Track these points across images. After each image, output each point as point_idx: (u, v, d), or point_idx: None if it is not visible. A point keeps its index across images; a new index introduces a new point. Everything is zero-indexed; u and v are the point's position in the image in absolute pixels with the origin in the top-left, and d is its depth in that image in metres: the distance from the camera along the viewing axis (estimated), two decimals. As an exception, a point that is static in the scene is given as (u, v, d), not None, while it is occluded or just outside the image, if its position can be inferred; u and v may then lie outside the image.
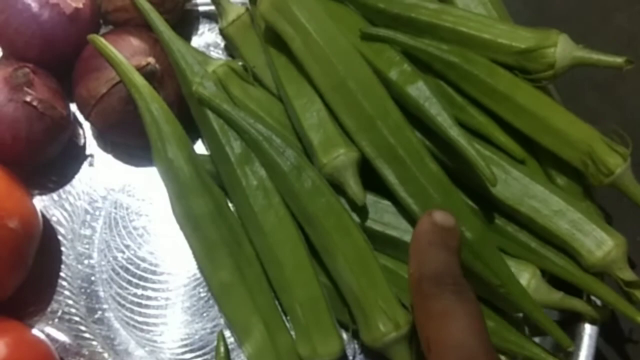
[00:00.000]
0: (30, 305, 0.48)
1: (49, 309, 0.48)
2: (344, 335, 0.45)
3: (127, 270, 0.49)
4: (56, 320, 0.48)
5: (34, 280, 0.47)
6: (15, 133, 0.45)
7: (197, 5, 0.55)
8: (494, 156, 0.45)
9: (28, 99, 0.45)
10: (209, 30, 0.54)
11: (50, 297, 0.48)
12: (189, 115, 0.48)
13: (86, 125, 0.52)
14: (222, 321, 0.48)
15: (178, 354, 0.47)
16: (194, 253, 0.46)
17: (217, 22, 0.53)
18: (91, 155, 0.52)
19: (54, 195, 0.51)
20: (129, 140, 0.49)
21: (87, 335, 0.48)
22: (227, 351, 0.47)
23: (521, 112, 0.45)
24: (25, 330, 0.44)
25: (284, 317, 0.46)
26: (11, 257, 0.44)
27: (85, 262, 0.49)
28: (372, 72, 0.45)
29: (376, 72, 0.46)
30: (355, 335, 0.46)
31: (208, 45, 0.54)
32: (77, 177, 0.51)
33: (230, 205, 0.47)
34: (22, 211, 0.45)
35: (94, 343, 0.47)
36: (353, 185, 0.44)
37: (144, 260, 0.49)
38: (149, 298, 0.48)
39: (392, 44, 0.46)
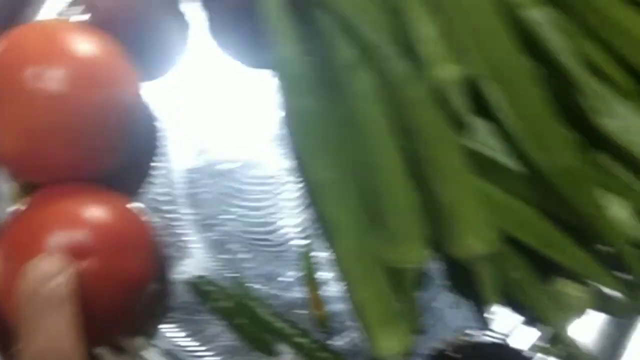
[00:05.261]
0: (127, 185, 0.49)
1: (144, 191, 0.50)
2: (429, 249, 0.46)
3: (224, 160, 0.50)
4: (150, 201, 0.50)
5: (132, 162, 0.49)
6: (133, 9, 0.47)
7: None
8: (605, 87, 0.45)
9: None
10: None
11: (145, 180, 0.50)
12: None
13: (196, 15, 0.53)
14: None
15: (266, 248, 0.49)
16: (297, 151, 0.47)
17: None
18: (197, 48, 0.53)
19: (157, 83, 0.52)
20: (244, 35, 0.50)
21: (179, 220, 0.50)
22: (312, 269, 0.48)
23: (637, 46, 0.45)
24: (125, 203, 0.46)
25: (373, 222, 0.46)
26: (118, 130, 0.45)
27: (184, 149, 0.51)
28: (490, -9, 0.45)
29: (494, -9, 0.46)
30: (439, 249, 0.47)
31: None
32: (181, 67, 0.52)
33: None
34: (132, 88, 0.46)
35: (187, 230, 0.49)
36: (460, 100, 0.44)
37: (239, 149, 0.51)
38: (243, 191, 0.50)
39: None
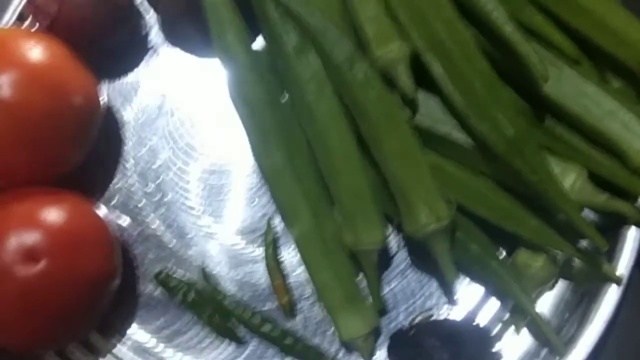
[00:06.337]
0: (92, 186, 0.51)
1: (109, 191, 0.51)
2: (389, 228, 0.47)
3: (186, 155, 0.51)
4: (116, 200, 0.51)
5: (97, 163, 0.50)
6: (83, 14, 0.48)
7: None
8: (548, 54, 0.45)
9: (95, -17, 0.47)
10: None
11: (110, 179, 0.51)
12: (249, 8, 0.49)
13: (152, 18, 0.54)
14: (272, 208, 0.50)
15: (230, 239, 0.50)
16: (249, 139, 0.48)
17: None
18: (155, 48, 0.53)
19: (118, 84, 0.53)
20: (195, 30, 0.51)
21: (145, 217, 0.50)
22: (274, 238, 0.49)
23: (579, 11, 0.45)
24: (83, 203, 0.47)
25: (330, 205, 0.47)
26: (74, 132, 0.46)
27: (147, 147, 0.52)
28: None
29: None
30: (399, 228, 0.47)
31: None
32: (141, 68, 0.53)
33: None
34: (86, 90, 0.47)
35: (152, 225, 0.50)
36: (405, 78, 0.45)
37: (202, 147, 0.51)
38: (205, 185, 0.51)
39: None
